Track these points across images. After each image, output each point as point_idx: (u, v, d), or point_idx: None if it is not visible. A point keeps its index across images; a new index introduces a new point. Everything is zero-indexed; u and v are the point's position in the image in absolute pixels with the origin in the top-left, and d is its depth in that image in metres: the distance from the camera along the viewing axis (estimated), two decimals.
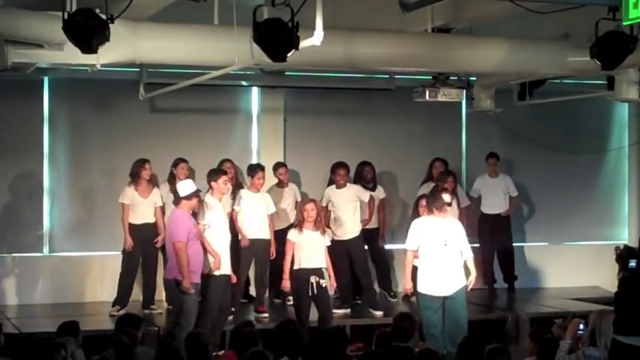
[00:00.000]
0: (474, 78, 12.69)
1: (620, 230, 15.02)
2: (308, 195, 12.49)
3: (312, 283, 10.35)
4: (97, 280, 12.70)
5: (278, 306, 12.39)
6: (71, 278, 12.63)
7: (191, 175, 12.03)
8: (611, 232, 14.96)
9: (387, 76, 13.29)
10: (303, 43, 7.96)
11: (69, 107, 12.74)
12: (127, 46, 9.12)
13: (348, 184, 12.11)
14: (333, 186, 12.14)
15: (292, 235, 10.56)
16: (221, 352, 9.42)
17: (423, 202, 10.74)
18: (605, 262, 13.84)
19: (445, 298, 9.79)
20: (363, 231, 12.20)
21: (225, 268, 10.22)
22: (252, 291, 12.07)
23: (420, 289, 9.89)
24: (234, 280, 10.46)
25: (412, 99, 12.16)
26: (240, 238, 11.36)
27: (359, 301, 12.37)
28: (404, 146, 13.92)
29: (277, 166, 12.43)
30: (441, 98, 11.93)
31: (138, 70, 12.09)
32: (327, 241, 10.63)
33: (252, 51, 8.55)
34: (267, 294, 12.20)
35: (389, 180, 13.72)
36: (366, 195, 12.19)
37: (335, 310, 11.53)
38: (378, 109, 13.83)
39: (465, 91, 12.23)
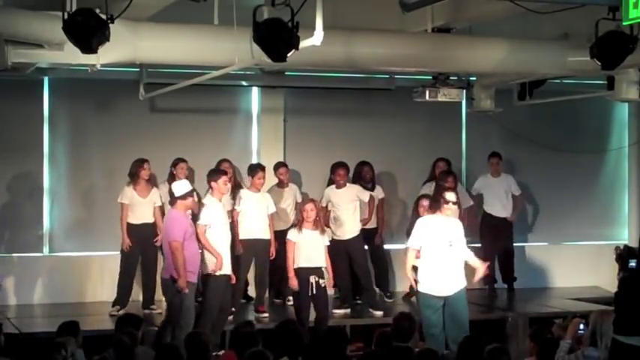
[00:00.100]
0: (474, 78, 12.69)
1: (620, 230, 15.01)
2: (308, 195, 12.47)
3: (311, 283, 10.38)
4: (97, 280, 12.70)
5: (278, 306, 12.39)
6: (71, 278, 12.62)
7: (191, 175, 12.05)
8: (611, 232, 14.95)
9: (387, 76, 13.28)
10: (303, 43, 7.95)
11: (69, 107, 12.73)
12: (126, 46, 9.12)
13: (347, 184, 12.10)
14: (333, 186, 12.13)
15: (292, 234, 10.59)
16: (221, 352, 9.41)
17: (423, 202, 10.74)
18: (605, 262, 13.81)
19: (446, 298, 9.78)
20: (363, 231, 12.18)
21: (225, 268, 10.22)
22: (251, 291, 12.06)
23: (421, 288, 9.86)
24: (234, 280, 10.46)
25: (412, 99, 12.15)
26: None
27: (359, 301, 12.35)
28: (404, 146, 13.90)
29: (278, 166, 12.41)
30: (441, 98, 11.93)
31: (138, 70, 12.08)
32: (326, 241, 10.64)
33: (252, 51, 8.54)
34: (267, 294, 12.19)
35: (389, 180, 13.71)
36: (366, 195, 12.18)
37: (335, 310, 11.55)
38: (378, 109, 13.82)
39: (465, 91, 12.22)
